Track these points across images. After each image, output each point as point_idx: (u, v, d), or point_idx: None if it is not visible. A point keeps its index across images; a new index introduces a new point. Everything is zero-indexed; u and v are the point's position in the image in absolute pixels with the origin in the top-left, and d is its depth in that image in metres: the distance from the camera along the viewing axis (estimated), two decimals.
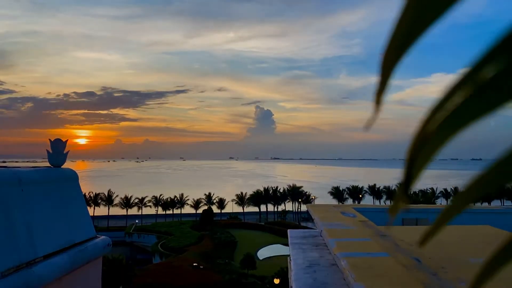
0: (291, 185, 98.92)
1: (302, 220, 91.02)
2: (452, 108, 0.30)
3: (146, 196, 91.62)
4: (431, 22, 0.31)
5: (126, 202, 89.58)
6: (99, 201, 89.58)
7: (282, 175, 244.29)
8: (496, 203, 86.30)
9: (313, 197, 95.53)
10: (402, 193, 0.39)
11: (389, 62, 0.33)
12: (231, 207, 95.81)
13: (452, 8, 0.30)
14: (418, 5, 0.31)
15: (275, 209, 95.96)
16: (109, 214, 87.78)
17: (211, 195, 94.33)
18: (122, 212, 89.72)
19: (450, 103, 0.30)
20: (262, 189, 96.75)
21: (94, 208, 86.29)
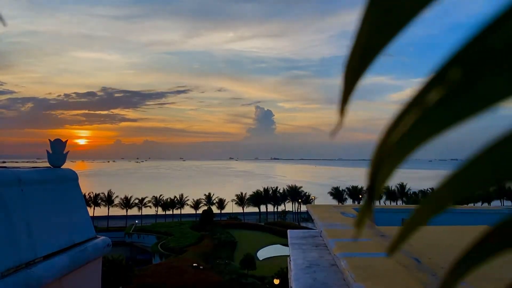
0: (291, 185, 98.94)
1: (302, 220, 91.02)
2: (405, 129, 0.30)
3: (146, 197, 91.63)
4: (391, 36, 0.30)
5: (126, 203, 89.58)
6: (99, 201, 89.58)
7: (281, 175, 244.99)
8: (496, 203, 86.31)
9: (313, 197, 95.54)
10: (367, 207, 0.38)
11: (352, 74, 0.32)
12: (231, 208, 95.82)
13: (408, 24, 0.29)
14: (378, 17, 0.30)
15: (275, 209, 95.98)
16: (109, 214, 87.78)
17: (211, 195, 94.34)
18: (122, 212, 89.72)
19: (404, 124, 0.31)
20: (261, 189, 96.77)
21: (94, 208, 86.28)
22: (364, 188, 0.37)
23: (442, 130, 0.29)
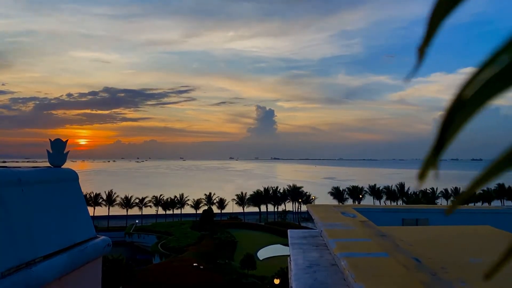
0: (291, 185, 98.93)
1: (302, 220, 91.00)
2: (485, 78, 0.32)
3: (147, 196, 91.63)
4: None
5: (126, 202, 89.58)
6: (99, 201, 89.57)
7: (276, 175, 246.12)
8: (496, 203, 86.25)
9: (313, 197, 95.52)
10: (433, 157, 0.38)
11: (436, 17, 0.34)
12: (231, 207, 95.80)
13: None
14: None
15: (275, 209, 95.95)
16: (109, 214, 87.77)
17: (211, 195, 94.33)
18: (122, 212, 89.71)
19: (483, 74, 0.33)
20: (262, 189, 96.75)
21: (94, 208, 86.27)
22: (433, 139, 0.37)
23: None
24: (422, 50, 0.36)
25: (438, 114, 0.35)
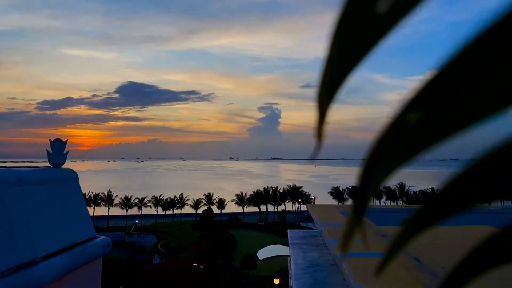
0: (291, 185, 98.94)
1: (302, 220, 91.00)
2: (387, 148, 0.31)
3: (146, 196, 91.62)
4: (359, 59, 0.31)
5: (126, 202, 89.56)
6: (99, 201, 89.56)
7: (273, 175, 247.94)
8: (496, 203, 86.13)
9: (313, 197, 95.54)
10: (355, 222, 0.36)
11: (324, 97, 0.33)
12: (231, 207, 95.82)
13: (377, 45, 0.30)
14: (345, 44, 0.31)
15: (275, 209, 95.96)
16: (109, 214, 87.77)
17: (211, 195, 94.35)
18: (122, 212, 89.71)
19: (385, 143, 0.31)
20: (261, 189, 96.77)
21: (94, 208, 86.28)
22: (353, 201, 0.36)
23: (424, 149, 0.29)
24: (320, 131, 0.34)
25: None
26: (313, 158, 0.38)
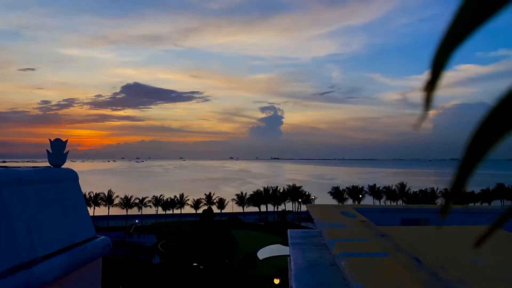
0: (291, 185, 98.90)
1: (302, 220, 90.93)
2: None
3: (146, 196, 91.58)
4: (490, 15, 0.31)
5: (126, 202, 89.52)
6: (99, 201, 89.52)
7: (269, 175, 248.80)
8: (496, 203, 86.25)
9: (313, 197, 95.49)
10: (453, 193, 0.37)
11: (441, 58, 0.32)
12: (231, 207, 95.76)
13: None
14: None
15: (275, 209, 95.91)
16: (109, 214, 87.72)
17: (211, 195, 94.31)
18: (122, 212, 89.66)
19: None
20: (261, 189, 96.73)
21: (94, 208, 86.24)
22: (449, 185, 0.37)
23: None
24: (429, 96, 0.33)
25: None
26: (417, 127, 0.38)
